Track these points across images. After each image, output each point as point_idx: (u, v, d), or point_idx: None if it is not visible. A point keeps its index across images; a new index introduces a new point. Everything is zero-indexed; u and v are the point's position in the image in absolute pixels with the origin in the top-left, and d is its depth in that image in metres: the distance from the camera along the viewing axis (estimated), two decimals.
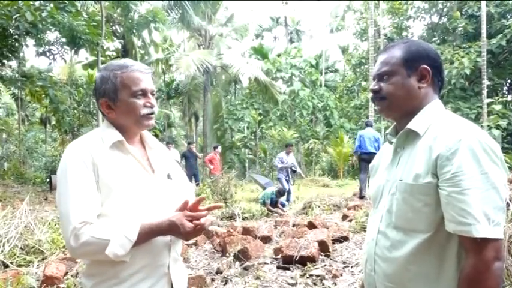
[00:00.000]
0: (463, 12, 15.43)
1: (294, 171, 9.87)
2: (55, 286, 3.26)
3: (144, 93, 1.35)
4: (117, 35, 15.59)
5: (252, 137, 21.49)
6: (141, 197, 1.31)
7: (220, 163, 11.71)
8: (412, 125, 1.20)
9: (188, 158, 11.66)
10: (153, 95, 1.39)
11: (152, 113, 1.37)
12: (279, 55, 22.40)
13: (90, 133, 1.38)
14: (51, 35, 12.44)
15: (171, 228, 1.25)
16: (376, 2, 16.60)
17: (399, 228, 1.18)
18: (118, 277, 1.26)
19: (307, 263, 3.74)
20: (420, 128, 1.18)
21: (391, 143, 1.31)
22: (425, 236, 1.12)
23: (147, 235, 1.24)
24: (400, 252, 1.17)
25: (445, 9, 17.03)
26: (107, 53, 14.78)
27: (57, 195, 1.27)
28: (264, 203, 7.90)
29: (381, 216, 1.25)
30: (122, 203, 1.27)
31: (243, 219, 7.00)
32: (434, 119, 1.19)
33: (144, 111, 1.34)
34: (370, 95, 1.33)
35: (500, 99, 12.05)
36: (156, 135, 16.78)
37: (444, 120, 1.17)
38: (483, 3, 13.01)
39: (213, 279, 3.59)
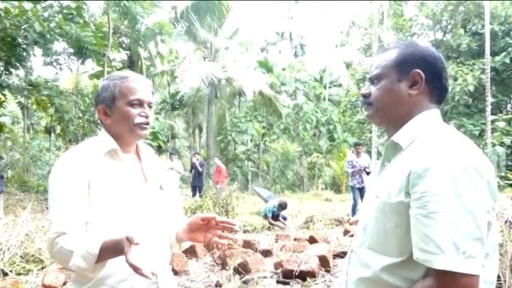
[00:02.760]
0: (467, 30, 15.50)
1: (368, 174, 8.36)
2: None
3: (140, 103, 1.37)
4: (124, 46, 15.76)
5: (255, 150, 21.48)
6: (132, 206, 1.32)
7: (221, 174, 11.20)
8: (396, 136, 1.06)
9: (195, 169, 11.66)
10: (150, 107, 1.41)
11: (147, 123, 1.38)
12: (283, 69, 22.53)
13: (86, 141, 1.40)
14: (59, 45, 12.66)
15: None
16: (380, 18, 16.74)
17: (371, 249, 1.05)
18: (105, 284, 1.26)
19: (307, 278, 3.70)
20: (403, 141, 1.04)
21: None
22: (394, 260, 0.97)
23: (109, 250, 1.14)
24: (367, 275, 1.03)
25: (449, 27, 17.15)
26: (113, 63, 14.91)
27: (48, 203, 1.29)
28: (265, 216, 7.85)
29: (357, 235, 1.15)
30: (113, 212, 1.28)
31: (244, 232, 6.96)
32: (423, 131, 1.03)
33: (138, 120, 1.36)
34: (361, 99, 1.23)
35: (504, 117, 12.01)
36: (160, 146, 16.82)
37: (432, 132, 1.01)
38: (487, 21, 13.10)
39: None
